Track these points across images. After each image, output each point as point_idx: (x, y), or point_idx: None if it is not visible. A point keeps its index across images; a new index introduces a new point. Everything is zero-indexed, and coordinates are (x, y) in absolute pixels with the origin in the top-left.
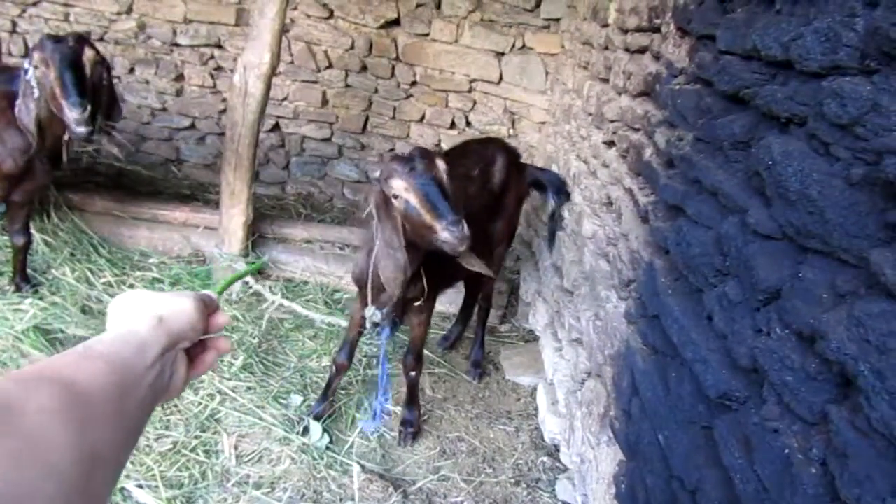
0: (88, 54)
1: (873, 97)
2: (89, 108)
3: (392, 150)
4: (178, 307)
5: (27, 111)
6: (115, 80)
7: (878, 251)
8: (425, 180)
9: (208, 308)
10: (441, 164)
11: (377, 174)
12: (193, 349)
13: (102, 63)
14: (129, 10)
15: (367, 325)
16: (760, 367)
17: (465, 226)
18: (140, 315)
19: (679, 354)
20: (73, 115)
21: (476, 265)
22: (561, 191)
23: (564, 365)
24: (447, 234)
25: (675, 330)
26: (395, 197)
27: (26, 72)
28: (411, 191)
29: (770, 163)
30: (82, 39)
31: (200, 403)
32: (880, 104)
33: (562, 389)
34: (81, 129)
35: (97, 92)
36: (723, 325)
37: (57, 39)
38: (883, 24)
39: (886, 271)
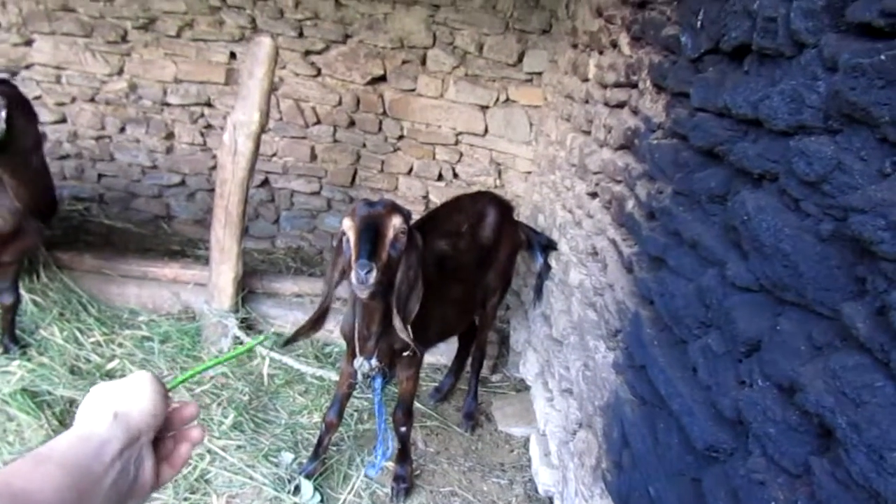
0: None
1: (837, 156)
2: None
3: None
4: (135, 398)
5: None
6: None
7: (850, 304)
8: (368, 223)
9: (165, 388)
10: (396, 220)
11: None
12: (165, 445)
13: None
14: (121, 72)
15: (359, 376)
16: (745, 419)
17: (374, 275)
18: (96, 412)
19: (666, 405)
20: None
21: (399, 328)
22: (547, 250)
23: (556, 415)
24: (353, 273)
25: (662, 381)
26: (343, 234)
27: None
28: (353, 229)
29: (745, 217)
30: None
31: (190, 464)
32: (844, 163)
33: (554, 440)
34: None
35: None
36: (707, 376)
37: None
38: (842, 87)
39: (858, 325)
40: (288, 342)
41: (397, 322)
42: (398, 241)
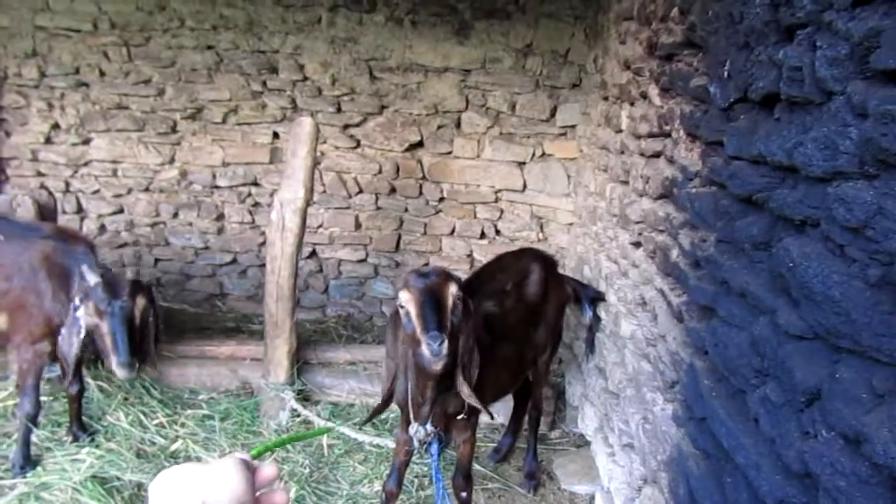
0: (140, 303)
1: (877, 201)
2: (136, 363)
3: (426, 264)
4: (221, 484)
5: (69, 346)
6: (160, 226)
7: None
8: (427, 294)
9: (252, 468)
10: (452, 288)
11: (397, 286)
12: None
13: (151, 305)
14: (172, 161)
15: (415, 443)
16: (812, 472)
17: (445, 345)
18: (180, 501)
19: (731, 459)
20: (119, 371)
21: (467, 395)
22: (596, 301)
23: (619, 471)
24: (424, 346)
25: (724, 433)
26: (401, 307)
27: (76, 308)
28: (412, 302)
29: (791, 264)
30: (138, 287)
31: None
32: (885, 208)
33: (619, 497)
34: (125, 374)
35: (143, 334)
36: (769, 427)
37: (114, 293)
38: (874, 134)
39: None
40: (365, 423)
41: (465, 388)
42: (457, 308)
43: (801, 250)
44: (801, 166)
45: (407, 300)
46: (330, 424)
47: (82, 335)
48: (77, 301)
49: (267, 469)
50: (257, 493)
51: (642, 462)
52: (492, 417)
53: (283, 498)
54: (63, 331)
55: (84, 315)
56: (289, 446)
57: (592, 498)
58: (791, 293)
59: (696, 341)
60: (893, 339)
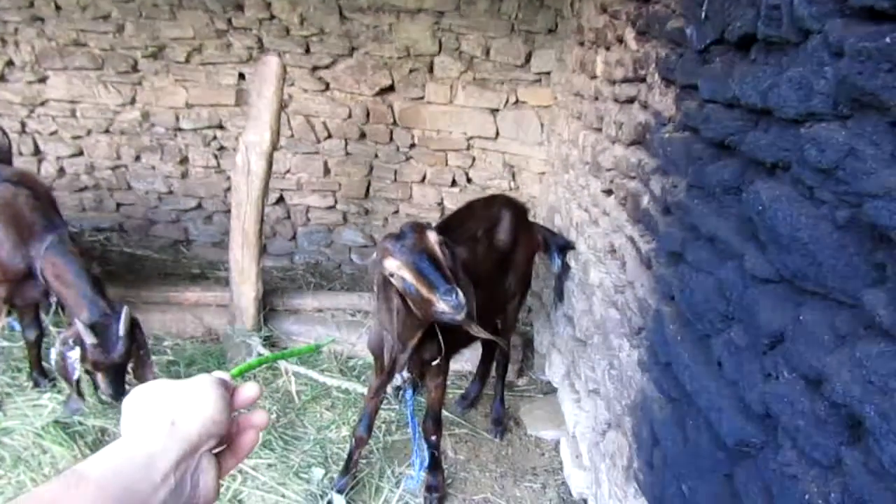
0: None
1: (849, 142)
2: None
3: (395, 212)
4: (195, 403)
5: (65, 374)
6: (122, 170)
7: (871, 292)
8: (416, 255)
9: (230, 389)
10: (432, 236)
11: (374, 256)
12: (227, 434)
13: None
14: (133, 101)
15: (390, 389)
16: (773, 412)
17: (460, 293)
18: (150, 420)
19: (694, 402)
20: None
21: (483, 334)
22: (565, 250)
23: (584, 417)
24: (443, 304)
25: (688, 377)
26: (392, 276)
27: (70, 348)
28: (405, 268)
29: (760, 208)
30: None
31: (221, 485)
32: (856, 149)
33: (584, 442)
34: (110, 402)
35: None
36: (732, 370)
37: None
38: (849, 72)
39: (880, 311)
40: (376, 394)
41: (473, 325)
42: (445, 253)
43: (772, 193)
44: (774, 108)
45: (397, 267)
46: (326, 339)
47: (76, 375)
48: (70, 343)
49: (247, 389)
50: (235, 414)
51: (607, 407)
52: (507, 347)
53: (263, 418)
54: (54, 357)
55: (77, 359)
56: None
57: (558, 443)
58: (759, 237)
59: (663, 287)
60: (857, 281)
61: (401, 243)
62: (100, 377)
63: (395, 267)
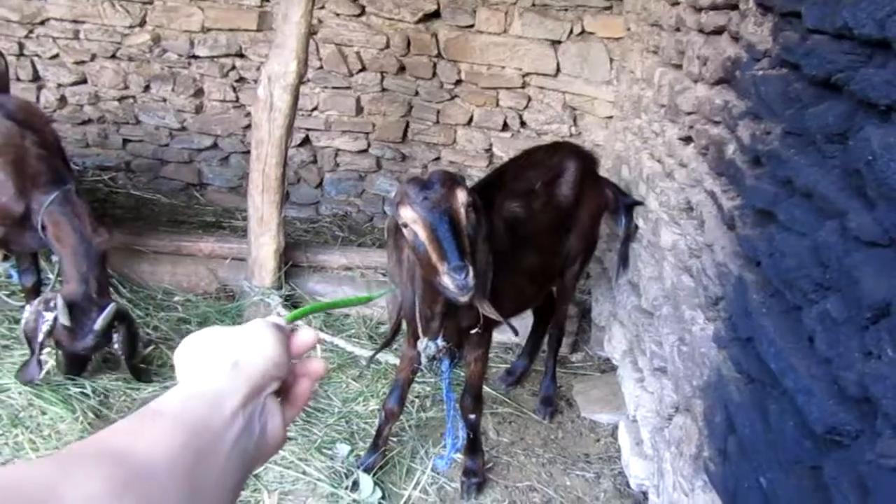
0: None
1: None
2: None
3: (436, 159)
4: (255, 344)
5: (38, 333)
6: (129, 101)
7: None
8: (437, 214)
9: (287, 334)
10: (461, 195)
11: (392, 195)
12: (283, 383)
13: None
14: (143, 23)
15: (423, 360)
16: (872, 396)
17: (471, 273)
18: (211, 362)
19: (778, 383)
20: None
21: (496, 316)
22: (632, 209)
23: (648, 398)
24: (448, 279)
25: (772, 355)
26: (405, 226)
27: (45, 309)
28: (419, 223)
29: (870, 158)
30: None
31: (288, 431)
32: None
33: (646, 427)
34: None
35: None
36: (826, 347)
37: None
38: None
39: None
40: (370, 361)
41: (484, 302)
42: (470, 218)
43: (884, 140)
44: (894, 39)
45: (413, 220)
46: (380, 292)
47: (40, 339)
48: (50, 305)
49: (303, 334)
50: (292, 362)
51: (675, 388)
52: (516, 333)
53: (320, 366)
54: (27, 315)
55: (47, 327)
56: None
57: (615, 428)
58: (866, 193)
59: (747, 251)
60: None
61: (424, 194)
62: (61, 353)
63: (411, 219)
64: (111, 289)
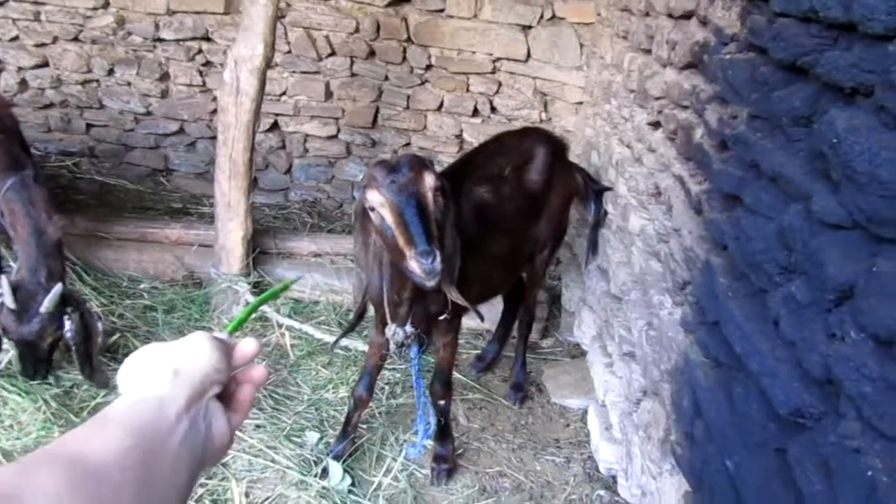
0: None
1: None
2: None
3: (407, 144)
4: (193, 353)
5: None
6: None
7: None
8: (405, 198)
9: (229, 346)
10: (429, 179)
11: (361, 179)
12: (226, 390)
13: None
14: (106, 5)
15: (392, 346)
16: (835, 378)
17: (438, 258)
18: (153, 373)
19: (744, 366)
20: None
21: (462, 302)
22: (601, 195)
23: (617, 383)
24: (415, 264)
25: (738, 338)
26: (371, 210)
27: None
28: (387, 206)
29: (834, 140)
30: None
31: (236, 436)
32: None
33: (615, 411)
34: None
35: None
36: (791, 330)
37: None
38: None
39: None
40: (333, 346)
41: (451, 289)
42: (437, 203)
43: (849, 123)
44: (859, 21)
45: (380, 203)
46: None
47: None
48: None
49: (245, 345)
50: (235, 373)
51: (643, 373)
52: (482, 319)
53: (262, 372)
54: None
55: None
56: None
57: (585, 413)
58: (832, 175)
59: (714, 235)
60: None
61: (392, 177)
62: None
63: (378, 203)
64: (77, 277)
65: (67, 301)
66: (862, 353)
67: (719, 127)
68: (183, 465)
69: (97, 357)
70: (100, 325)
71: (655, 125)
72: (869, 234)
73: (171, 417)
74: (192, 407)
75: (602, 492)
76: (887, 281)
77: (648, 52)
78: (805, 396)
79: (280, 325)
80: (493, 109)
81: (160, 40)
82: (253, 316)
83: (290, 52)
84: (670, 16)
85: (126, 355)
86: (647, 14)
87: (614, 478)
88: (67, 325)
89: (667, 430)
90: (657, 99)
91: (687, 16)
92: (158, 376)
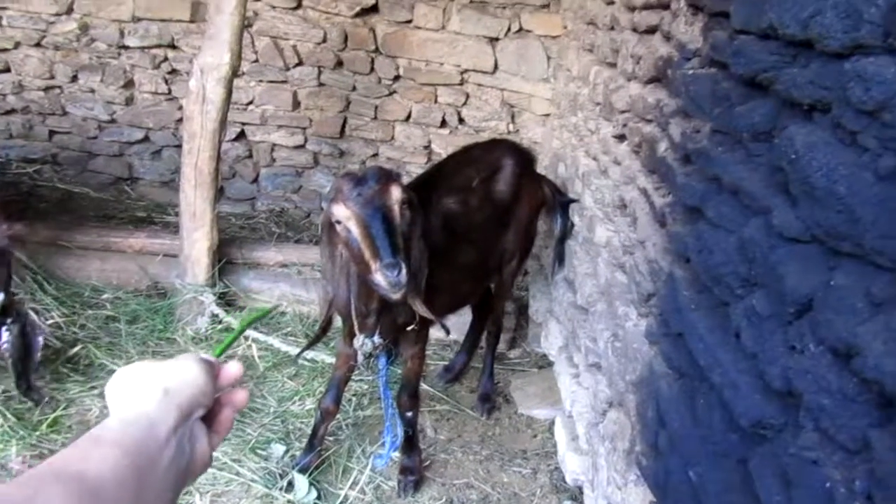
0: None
1: None
2: None
3: (374, 155)
4: (183, 374)
5: None
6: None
7: None
8: (371, 210)
9: (215, 367)
10: (396, 193)
11: (328, 192)
12: (209, 412)
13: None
14: (70, 10)
15: (360, 357)
16: (795, 390)
17: (404, 271)
18: (143, 391)
19: (707, 378)
20: None
21: (428, 314)
22: (567, 207)
23: (583, 394)
24: (380, 276)
25: (701, 350)
26: (338, 223)
27: None
28: (353, 220)
29: (793, 156)
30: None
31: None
32: None
33: (582, 422)
34: None
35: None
36: (752, 342)
37: None
38: None
39: None
40: (298, 357)
41: (417, 301)
42: (404, 216)
43: (807, 139)
44: (816, 39)
45: (346, 217)
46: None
47: None
48: None
49: (230, 368)
50: (217, 395)
51: (609, 384)
52: (447, 333)
53: (244, 396)
54: None
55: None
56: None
57: (552, 423)
58: (790, 190)
59: (678, 247)
60: None
61: (358, 190)
62: None
63: (345, 216)
64: (38, 287)
65: (8, 312)
66: (820, 366)
67: (682, 141)
68: (169, 485)
69: (33, 372)
70: (41, 340)
71: (621, 138)
72: (827, 248)
73: (160, 439)
74: (179, 428)
75: (568, 502)
76: (844, 295)
77: (614, 65)
78: (766, 408)
79: (247, 338)
80: (461, 120)
81: (125, 47)
82: (218, 328)
83: (257, 61)
84: (635, 30)
85: (88, 366)
86: (612, 28)
87: (581, 488)
88: (5, 336)
89: (632, 440)
90: (622, 112)
91: (651, 30)
92: (148, 394)
